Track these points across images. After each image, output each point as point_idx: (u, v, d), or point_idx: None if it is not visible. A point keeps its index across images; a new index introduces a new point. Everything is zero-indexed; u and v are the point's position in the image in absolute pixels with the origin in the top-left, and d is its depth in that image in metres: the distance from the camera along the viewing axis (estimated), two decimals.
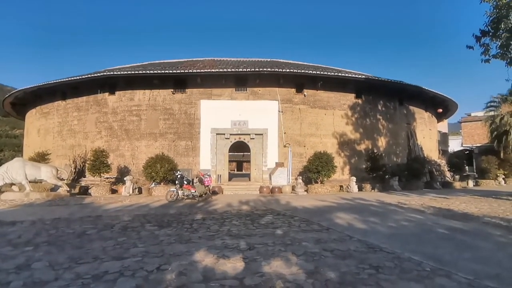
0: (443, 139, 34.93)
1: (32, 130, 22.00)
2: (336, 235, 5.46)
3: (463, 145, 34.60)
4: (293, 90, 17.76)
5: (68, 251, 4.35)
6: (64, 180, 13.77)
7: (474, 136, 32.89)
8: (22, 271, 3.53)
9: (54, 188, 13.35)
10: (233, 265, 3.74)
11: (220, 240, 5.01)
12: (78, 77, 17.78)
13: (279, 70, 16.72)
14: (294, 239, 5.08)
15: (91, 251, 4.33)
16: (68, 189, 13.36)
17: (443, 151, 29.98)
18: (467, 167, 26.93)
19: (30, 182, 12.48)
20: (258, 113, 17.08)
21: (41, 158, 16.01)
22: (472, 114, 34.77)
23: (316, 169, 14.93)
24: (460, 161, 22.29)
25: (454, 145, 36.46)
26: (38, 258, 4.01)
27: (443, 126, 34.72)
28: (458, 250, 4.49)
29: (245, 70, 16.73)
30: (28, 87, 19.53)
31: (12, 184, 12.74)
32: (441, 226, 6.33)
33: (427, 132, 23.33)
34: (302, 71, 17.16)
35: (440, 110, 24.05)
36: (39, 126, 20.89)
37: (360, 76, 18.65)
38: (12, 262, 3.83)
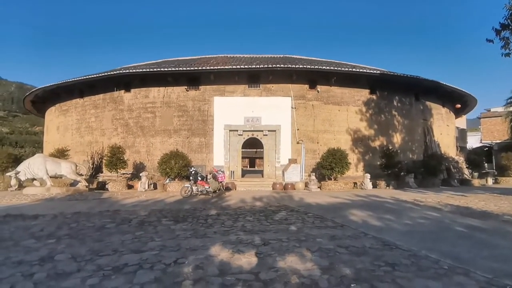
0: (461, 136, 33.96)
1: (51, 127, 22.69)
2: (350, 232, 5.43)
3: (482, 142, 33.55)
4: (306, 86, 17.63)
5: (89, 244, 4.51)
6: (82, 175, 14.19)
7: (493, 132, 31.84)
8: (46, 263, 3.66)
9: (74, 183, 13.78)
10: (248, 260, 3.79)
11: (235, 235, 5.08)
12: (94, 75, 18.19)
13: (292, 66, 16.62)
14: (308, 235, 5.09)
15: (111, 244, 4.47)
16: (87, 184, 13.77)
17: (461, 148, 29.17)
18: (486, 164, 26.12)
19: (50, 177, 12.92)
20: (271, 109, 17.06)
21: (61, 154, 16.53)
22: (492, 110, 33.63)
23: (329, 165, 14.82)
24: (479, 158, 21.64)
25: (473, 141, 35.39)
26: (60, 251, 4.16)
27: (462, 122, 33.73)
28: (476, 248, 4.40)
29: (258, 66, 16.73)
30: (47, 85, 20.12)
31: (34, 179, 13.22)
32: (458, 224, 6.20)
33: (445, 128, 22.73)
34: (316, 67, 16.99)
35: (459, 106, 23.34)
36: (58, 123, 21.53)
37: (374, 72, 18.32)
38: (36, 254, 3.98)
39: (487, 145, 32.90)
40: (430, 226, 6.02)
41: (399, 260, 3.78)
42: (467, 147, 32.55)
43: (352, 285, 2.99)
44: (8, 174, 13.30)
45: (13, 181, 12.84)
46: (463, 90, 21.05)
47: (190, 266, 3.51)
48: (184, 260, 3.74)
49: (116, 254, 3.99)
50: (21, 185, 13.12)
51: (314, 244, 4.51)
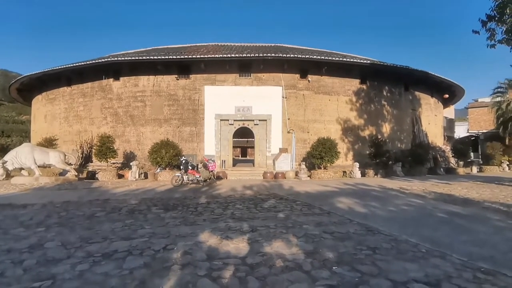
0: (449, 125, 34.60)
1: (39, 116, 22.28)
2: (336, 218, 5.60)
3: (469, 131, 34.30)
4: (297, 75, 17.66)
5: (79, 232, 4.55)
6: (72, 165, 14.07)
7: (480, 122, 32.54)
8: (35, 250, 3.69)
9: (63, 173, 13.67)
10: (236, 245, 3.90)
11: (224, 223, 5.18)
12: (82, 63, 17.84)
13: (283, 55, 16.59)
14: (295, 222, 5.23)
15: (101, 232, 4.52)
16: (76, 173, 13.68)
17: (449, 137, 29.80)
18: (472, 154, 26.85)
19: (39, 167, 12.79)
20: (262, 99, 17.07)
21: (49, 143, 16.33)
22: (479, 100, 34.25)
23: (319, 155, 15.03)
24: (465, 147, 22.23)
25: (461, 131, 36.15)
26: (50, 238, 4.19)
27: (450, 112, 34.31)
28: (455, 233, 4.60)
29: (249, 55, 16.65)
30: (33, 73, 19.67)
31: (21, 168, 13.06)
32: (440, 210, 6.44)
33: (433, 118, 23.15)
34: (307, 56, 16.99)
35: (447, 96, 23.75)
36: (46, 112, 21.14)
37: (365, 61, 18.43)
38: (25, 242, 4.00)
39: (474, 134, 33.66)
40: (413, 213, 6.24)
41: (380, 244, 3.95)
42: (455, 136, 33.26)
43: (334, 267, 3.13)
44: None
45: (0, 171, 12.66)
46: (451, 80, 21.41)
47: (179, 252, 3.60)
48: (173, 246, 3.83)
49: (106, 241, 4.05)
50: (8, 175, 12.94)
51: (301, 231, 4.65)
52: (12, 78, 30.29)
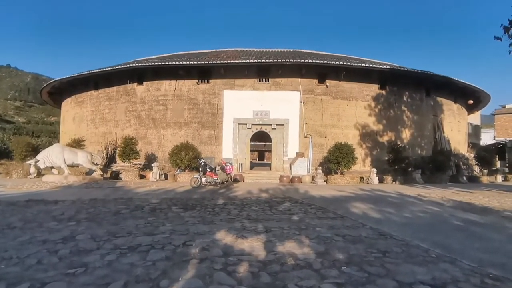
0: (475, 132, 33.39)
1: (68, 118, 23.48)
2: (349, 222, 5.70)
3: (496, 139, 32.92)
4: (315, 80, 17.73)
5: (106, 227, 4.92)
6: (97, 165, 14.78)
7: (508, 129, 31.18)
8: (68, 241, 4.06)
9: (89, 172, 14.40)
10: (250, 244, 4.12)
11: (240, 223, 5.42)
12: (109, 68, 18.70)
13: (301, 60, 16.74)
14: (308, 225, 5.39)
15: (126, 228, 4.88)
16: (102, 173, 14.37)
17: (474, 144, 28.75)
18: (498, 162, 25.74)
19: (68, 166, 13.55)
20: (280, 103, 17.25)
21: (77, 144, 17.23)
22: (507, 106, 32.85)
23: (336, 160, 15.01)
24: (489, 155, 21.37)
25: (487, 138, 34.77)
26: (80, 232, 4.57)
27: (476, 118, 33.13)
28: (469, 241, 4.61)
29: (267, 61, 16.92)
30: (64, 77, 20.78)
31: (52, 167, 13.87)
32: (457, 218, 6.39)
33: (456, 125, 22.48)
34: (325, 61, 17.03)
35: (471, 102, 22.99)
36: (74, 114, 22.27)
37: (384, 67, 18.23)
38: (59, 234, 4.39)
39: (501, 142, 32.29)
40: (428, 219, 6.23)
41: (391, 248, 4.05)
42: (481, 143, 32.02)
43: (343, 267, 3.29)
44: (28, 162, 13.97)
45: (32, 169, 13.49)
46: (476, 85, 20.72)
47: (197, 248, 3.87)
48: (192, 242, 4.10)
49: (130, 236, 4.38)
50: (39, 173, 13.77)
51: (313, 233, 4.81)
52: (42, 81, 32.21)
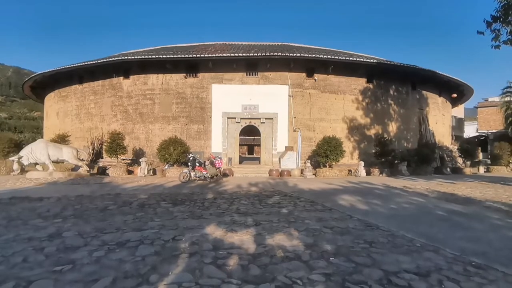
0: (459, 125, 34.28)
1: (51, 113, 22.87)
2: (337, 214, 5.80)
3: (479, 131, 33.92)
4: (304, 74, 17.78)
5: (93, 223, 4.85)
6: (83, 160, 14.50)
7: (490, 122, 32.16)
8: (54, 239, 3.98)
9: (75, 168, 14.12)
10: (240, 237, 4.14)
11: (229, 217, 5.44)
12: (93, 62, 18.26)
13: (290, 54, 16.74)
14: (297, 217, 5.45)
15: (114, 224, 4.82)
16: (88, 169, 14.11)
17: (458, 137, 29.52)
18: (481, 153, 26.55)
19: (52, 162, 13.24)
20: (269, 97, 17.26)
21: (62, 139, 16.84)
22: (490, 99, 33.82)
23: (324, 153, 15.17)
24: (472, 147, 22.02)
25: (470, 130, 35.80)
26: (67, 229, 4.49)
27: (459, 111, 33.98)
28: (452, 230, 4.77)
29: (256, 54, 16.84)
30: (47, 71, 20.19)
31: (36, 163, 13.53)
32: (441, 208, 6.58)
33: (440, 117, 23.02)
34: (313, 55, 17.08)
35: (455, 95, 23.58)
36: (58, 109, 21.70)
37: (371, 61, 18.43)
38: (44, 232, 4.30)
39: (484, 134, 33.28)
40: (413, 210, 6.40)
41: (377, 239, 4.15)
42: (465, 136, 32.92)
43: (331, 258, 3.35)
44: (11, 158, 13.59)
45: (16, 166, 13.13)
46: (459, 79, 21.23)
47: (186, 242, 3.87)
48: (181, 237, 4.09)
49: (119, 231, 4.34)
50: (23, 170, 13.43)
51: (302, 225, 4.88)
52: (24, 75, 31.22)
